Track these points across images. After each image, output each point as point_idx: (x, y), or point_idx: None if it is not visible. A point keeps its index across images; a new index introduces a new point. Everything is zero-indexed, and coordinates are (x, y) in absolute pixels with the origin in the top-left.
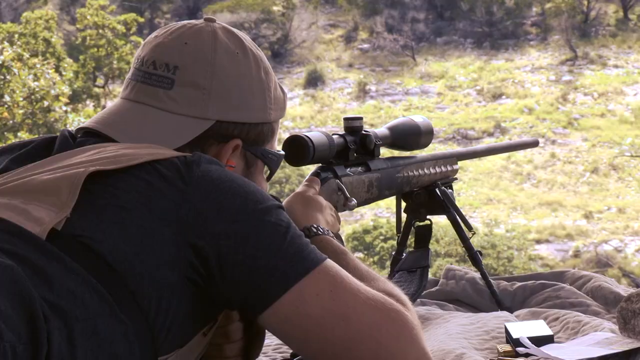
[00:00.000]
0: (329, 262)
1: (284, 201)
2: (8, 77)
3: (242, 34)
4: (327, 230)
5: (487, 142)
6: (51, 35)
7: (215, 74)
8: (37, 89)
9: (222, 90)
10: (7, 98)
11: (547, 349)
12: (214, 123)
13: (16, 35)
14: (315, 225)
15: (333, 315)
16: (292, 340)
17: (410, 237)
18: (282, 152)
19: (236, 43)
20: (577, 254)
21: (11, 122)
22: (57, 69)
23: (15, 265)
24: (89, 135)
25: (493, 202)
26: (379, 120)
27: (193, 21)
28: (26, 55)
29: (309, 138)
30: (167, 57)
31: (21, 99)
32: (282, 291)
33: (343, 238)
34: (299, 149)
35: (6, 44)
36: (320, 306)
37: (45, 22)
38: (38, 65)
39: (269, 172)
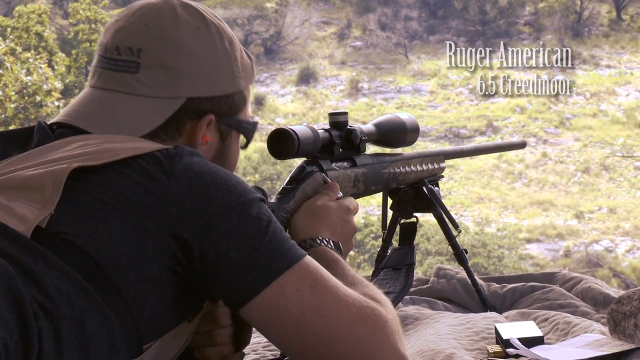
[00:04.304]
0: (309, 259)
1: (300, 213)
2: (0, 71)
3: (202, 7)
4: (327, 241)
5: (479, 141)
6: (44, 30)
7: (179, 52)
8: (29, 84)
9: (188, 67)
10: None
11: (537, 350)
12: (185, 101)
13: (9, 30)
14: (312, 238)
15: (312, 311)
16: (272, 334)
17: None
18: (257, 119)
19: (197, 17)
20: (567, 254)
21: (3, 116)
22: (49, 64)
23: (6, 264)
24: (66, 127)
25: (484, 201)
26: (371, 118)
27: (152, 0)
28: (19, 49)
29: (293, 131)
30: (130, 41)
31: (13, 93)
32: (262, 285)
33: None
34: (283, 142)
35: None
36: (300, 302)
37: (38, 17)
38: (31, 60)
39: (245, 140)
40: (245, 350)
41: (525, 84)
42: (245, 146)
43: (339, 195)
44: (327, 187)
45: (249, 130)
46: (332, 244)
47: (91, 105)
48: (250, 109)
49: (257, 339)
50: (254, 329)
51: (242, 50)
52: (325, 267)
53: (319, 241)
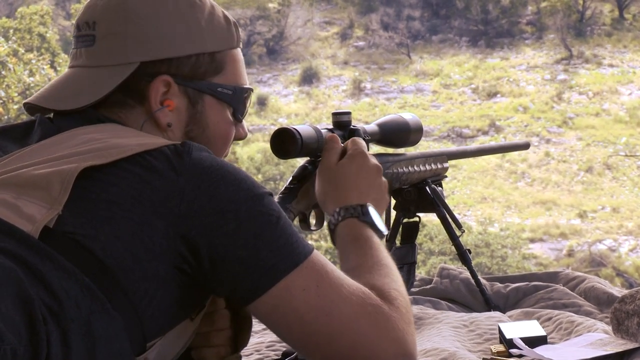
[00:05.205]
0: (316, 255)
1: (316, 184)
2: (3, 72)
3: None
4: (353, 208)
5: (482, 141)
6: (46, 31)
7: (128, 18)
8: (32, 85)
9: (137, 32)
10: (2, 93)
11: (540, 350)
12: (139, 65)
13: (11, 31)
14: (338, 210)
15: (317, 310)
16: (276, 330)
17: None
18: (243, 86)
19: None
20: (570, 253)
21: (6, 117)
22: (52, 65)
23: (15, 266)
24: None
25: (487, 201)
26: (373, 117)
27: None
28: (21, 50)
29: (296, 130)
30: (87, 15)
31: (16, 94)
32: (270, 284)
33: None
34: (286, 141)
35: (1, 39)
36: (305, 301)
37: (41, 18)
38: (33, 61)
39: (233, 110)
40: (248, 350)
41: (527, 83)
42: (235, 116)
43: (341, 145)
44: (328, 142)
45: (228, 96)
46: (360, 210)
47: (57, 84)
48: (238, 75)
49: (260, 339)
50: (260, 326)
51: (215, 14)
52: (352, 243)
53: (345, 213)
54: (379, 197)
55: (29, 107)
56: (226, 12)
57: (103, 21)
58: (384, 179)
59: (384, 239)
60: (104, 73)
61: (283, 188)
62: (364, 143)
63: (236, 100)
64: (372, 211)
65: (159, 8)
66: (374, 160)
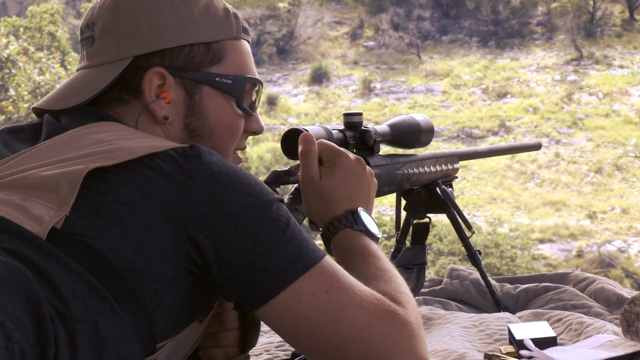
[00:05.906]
0: (326, 261)
1: (304, 200)
2: (13, 71)
3: None
4: (345, 218)
5: (492, 141)
6: (56, 30)
7: (120, 15)
8: (42, 83)
9: (130, 27)
10: (12, 92)
11: (550, 352)
12: (132, 60)
13: (21, 29)
14: (331, 222)
15: (326, 316)
16: (285, 336)
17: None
18: (250, 76)
19: None
20: (580, 254)
21: (16, 115)
22: (62, 63)
23: (23, 267)
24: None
25: (497, 201)
26: (383, 117)
27: None
28: (31, 49)
29: (307, 131)
30: (87, 19)
31: (26, 92)
32: (278, 290)
33: None
34: (297, 142)
35: (12, 37)
36: (314, 307)
37: (51, 16)
38: (43, 60)
39: (236, 100)
40: (258, 350)
41: (537, 84)
42: (240, 107)
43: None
44: (303, 155)
45: (228, 85)
46: (352, 218)
47: (62, 87)
48: (242, 66)
49: (269, 339)
50: (267, 327)
51: (212, 5)
52: (348, 255)
53: (337, 224)
54: (368, 192)
55: (37, 112)
56: (227, 5)
57: (99, 21)
58: (368, 167)
59: (378, 242)
60: (101, 71)
61: (293, 189)
62: (331, 143)
63: (238, 90)
64: (364, 215)
65: (150, 2)
66: (353, 155)
